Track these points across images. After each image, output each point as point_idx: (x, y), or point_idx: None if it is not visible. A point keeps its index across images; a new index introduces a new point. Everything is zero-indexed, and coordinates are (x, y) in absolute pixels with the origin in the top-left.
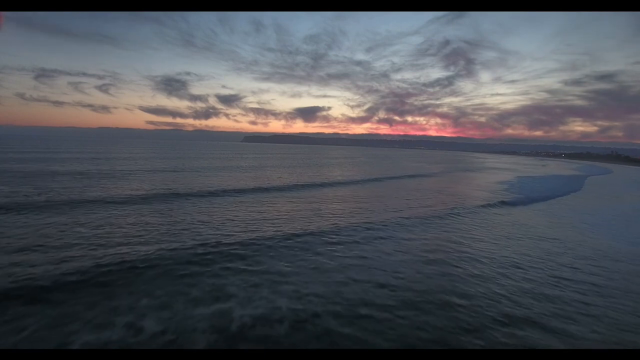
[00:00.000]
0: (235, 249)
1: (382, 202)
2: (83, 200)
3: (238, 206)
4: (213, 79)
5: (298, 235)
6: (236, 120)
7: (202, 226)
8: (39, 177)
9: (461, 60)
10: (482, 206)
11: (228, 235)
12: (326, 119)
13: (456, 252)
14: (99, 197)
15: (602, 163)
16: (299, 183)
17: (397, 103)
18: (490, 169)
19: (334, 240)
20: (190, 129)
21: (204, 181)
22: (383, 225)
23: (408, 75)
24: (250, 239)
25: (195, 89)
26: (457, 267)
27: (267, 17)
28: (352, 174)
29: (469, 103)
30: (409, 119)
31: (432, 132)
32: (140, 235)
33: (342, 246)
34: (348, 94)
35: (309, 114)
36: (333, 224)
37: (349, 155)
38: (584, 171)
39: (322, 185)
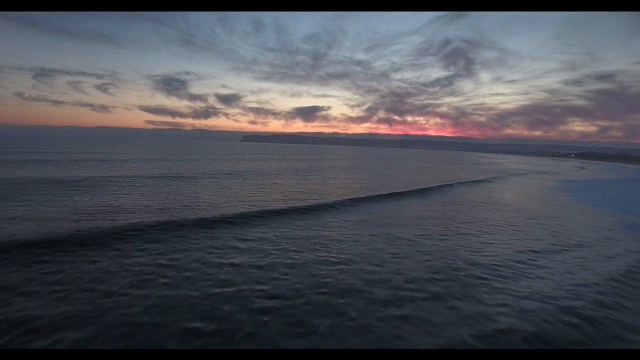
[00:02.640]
0: None
1: (479, 244)
2: None
3: (206, 249)
4: (213, 79)
5: None
6: (236, 120)
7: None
8: None
9: (461, 60)
10: None
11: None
12: (326, 118)
13: None
14: None
15: (619, 164)
16: (303, 202)
17: (397, 103)
18: (527, 172)
19: None
20: (190, 128)
21: (168, 198)
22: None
23: (408, 75)
24: None
25: (195, 89)
26: None
27: (267, 17)
28: (372, 181)
29: (468, 103)
30: (409, 118)
31: (432, 132)
32: None
33: None
34: (348, 94)
35: (308, 113)
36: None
37: (352, 155)
38: (627, 174)
39: (340, 206)
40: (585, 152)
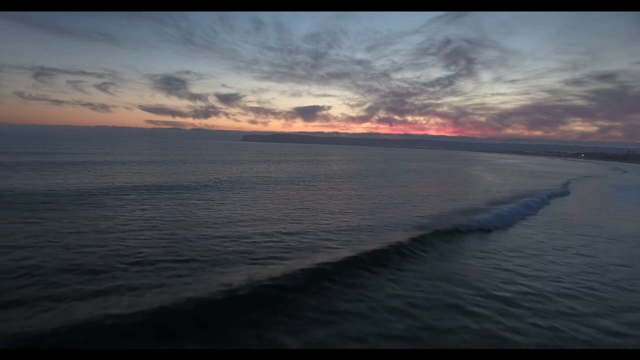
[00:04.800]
0: None
1: None
2: None
3: None
4: (213, 78)
5: None
6: (236, 120)
7: None
8: None
9: (462, 59)
10: None
11: None
12: (326, 118)
13: None
14: None
15: (634, 164)
16: (338, 247)
17: (397, 102)
18: (575, 176)
19: None
20: (190, 128)
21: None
22: None
23: (408, 74)
24: None
25: (195, 88)
26: None
27: (268, 16)
28: (411, 194)
29: (469, 103)
30: (409, 118)
31: (432, 132)
32: None
33: None
34: (348, 93)
35: (308, 113)
36: None
37: (357, 156)
38: None
39: (406, 251)
40: (590, 152)
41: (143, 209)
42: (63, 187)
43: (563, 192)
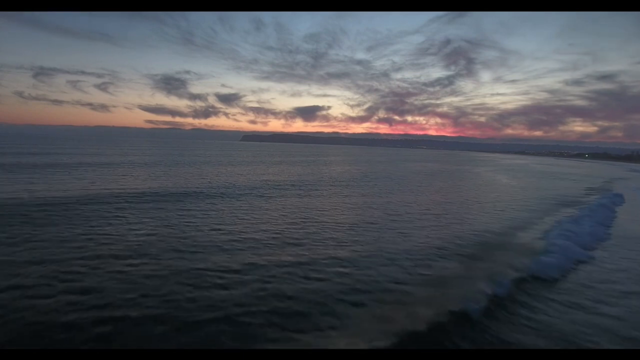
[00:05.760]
0: None
1: None
2: None
3: None
4: (213, 78)
5: None
6: (235, 120)
7: None
8: None
9: (462, 59)
10: None
11: None
12: (326, 118)
13: None
14: None
15: None
16: None
17: (397, 102)
18: (600, 178)
19: None
20: (189, 128)
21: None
22: None
23: (408, 74)
24: None
25: (195, 88)
26: None
27: (268, 16)
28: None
29: (469, 103)
30: (409, 118)
31: (432, 132)
32: None
33: None
34: (348, 94)
35: (308, 113)
36: None
37: (360, 157)
38: None
39: None
40: (590, 152)
41: (110, 223)
42: (29, 195)
43: (616, 200)
